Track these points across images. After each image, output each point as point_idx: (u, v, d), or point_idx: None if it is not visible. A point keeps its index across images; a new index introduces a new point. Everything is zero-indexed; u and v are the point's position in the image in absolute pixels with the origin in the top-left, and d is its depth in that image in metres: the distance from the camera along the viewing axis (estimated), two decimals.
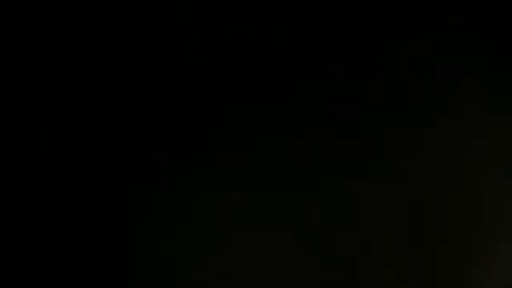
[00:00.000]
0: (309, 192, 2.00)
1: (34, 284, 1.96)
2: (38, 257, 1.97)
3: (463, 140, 2.01)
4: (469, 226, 1.98)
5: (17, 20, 2.00)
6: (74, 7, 2.02)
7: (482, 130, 2.01)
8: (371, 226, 1.98)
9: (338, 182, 2.00)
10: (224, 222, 1.99)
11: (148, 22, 2.03)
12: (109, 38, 2.03)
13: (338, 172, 2.00)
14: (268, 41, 2.04)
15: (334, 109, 2.02)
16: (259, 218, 1.99)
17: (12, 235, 1.98)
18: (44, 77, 2.02)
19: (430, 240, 1.98)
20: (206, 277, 1.98)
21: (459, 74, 2.03)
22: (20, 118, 2.01)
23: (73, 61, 2.02)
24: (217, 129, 2.02)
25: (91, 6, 2.03)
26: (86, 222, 1.98)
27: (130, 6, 2.03)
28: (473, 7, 2.04)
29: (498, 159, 2.00)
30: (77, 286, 1.97)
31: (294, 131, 2.01)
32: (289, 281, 1.97)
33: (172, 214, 1.99)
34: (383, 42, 2.03)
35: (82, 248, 1.98)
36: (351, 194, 2.00)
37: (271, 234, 1.99)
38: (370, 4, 2.04)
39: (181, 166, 2.00)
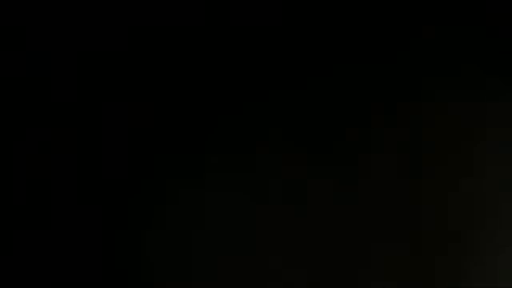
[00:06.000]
0: (308, 192, 2.00)
1: (34, 284, 1.96)
2: (38, 256, 1.97)
3: (463, 140, 2.01)
4: (469, 226, 1.98)
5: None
6: (70, 7, 2.02)
7: (482, 130, 2.01)
8: (371, 227, 1.99)
9: (338, 182, 2.00)
10: (224, 221, 1.99)
11: (146, 20, 2.03)
12: (107, 36, 2.03)
13: (337, 172, 2.00)
14: (268, 41, 2.04)
15: (335, 108, 2.02)
16: (259, 219, 1.99)
17: (12, 235, 1.98)
18: (44, 75, 2.02)
19: (429, 240, 1.98)
20: (206, 277, 1.98)
21: (459, 73, 2.03)
22: (20, 117, 2.01)
23: (72, 60, 2.02)
24: (217, 129, 2.02)
25: (90, 6, 2.03)
26: (86, 221, 1.99)
27: (130, 3, 2.03)
28: (473, 7, 2.04)
29: (498, 159, 2.00)
30: (77, 285, 1.97)
31: (294, 131, 2.01)
32: (288, 281, 1.97)
33: (173, 214, 1.99)
34: (383, 42, 2.03)
35: (82, 248, 1.98)
36: (351, 194, 2.00)
37: (271, 235, 1.99)
38: (369, 4, 2.04)
39: (181, 166, 2.01)
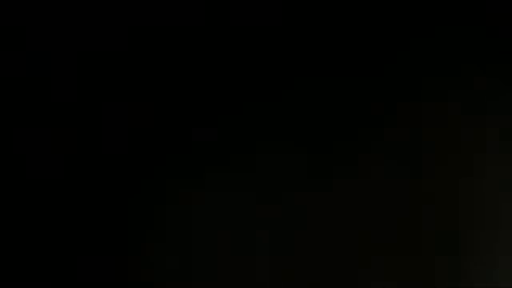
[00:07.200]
0: (308, 192, 2.00)
1: (33, 283, 1.96)
2: (38, 256, 1.97)
3: (463, 140, 2.01)
4: (469, 226, 1.98)
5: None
6: (70, 7, 2.02)
7: (482, 130, 2.01)
8: (371, 227, 1.98)
9: (338, 182, 2.00)
10: (224, 221, 1.99)
11: (146, 21, 2.03)
12: (107, 36, 2.03)
13: (337, 172, 2.00)
14: (268, 41, 2.04)
15: (335, 108, 2.02)
16: (259, 219, 1.99)
17: (12, 234, 1.98)
18: (44, 75, 2.02)
19: (429, 240, 1.98)
20: (206, 277, 1.98)
21: (459, 73, 2.03)
22: (20, 117, 2.01)
23: (72, 60, 2.02)
24: (217, 129, 2.02)
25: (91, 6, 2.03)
26: (87, 222, 1.99)
27: (130, 3, 2.03)
28: (473, 7, 2.04)
29: (498, 159, 2.00)
30: (77, 285, 1.97)
31: (294, 131, 2.01)
32: (289, 281, 1.97)
33: (173, 214, 1.99)
34: (383, 42, 2.03)
35: (82, 248, 1.98)
36: (351, 194, 2.00)
37: (271, 235, 1.99)
38: (370, 4, 2.04)
39: (181, 165, 2.01)
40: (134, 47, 2.02)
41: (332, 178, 2.00)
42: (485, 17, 2.03)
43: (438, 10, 2.04)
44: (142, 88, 2.02)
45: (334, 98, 2.02)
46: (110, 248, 1.98)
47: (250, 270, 1.98)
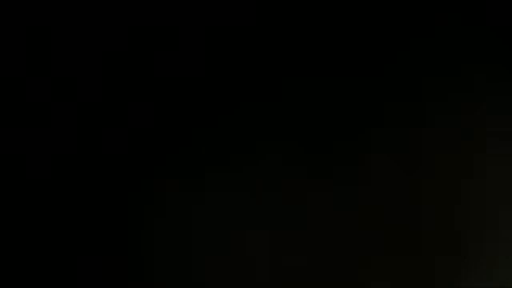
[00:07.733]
0: (308, 192, 2.00)
1: (33, 283, 1.96)
2: (38, 256, 1.97)
3: (463, 140, 2.01)
4: (469, 226, 1.98)
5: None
6: (73, 6, 2.02)
7: (482, 130, 2.01)
8: (370, 227, 1.98)
9: (338, 182, 2.00)
10: (224, 222, 1.99)
11: (146, 21, 2.03)
12: (107, 36, 2.03)
13: (337, 172, 2.00)
14: (269, 40, 2.04)
15: (335, 108, 2.02)
16: (259, 219, 1.99)
17: (12, 234, 1.98)
18: (44, 76, 2.02)
19: (429, 240, 1.98)
20: (206, 277, 1.98)
21: (459, 73, 2.03)
22: (19, 117, 2.01)
23: (73, 59, 2.02)
24: (217, 129, 2.02)
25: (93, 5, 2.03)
26: (87, 221, 1.99)
27: (128, 2, 2.03)
28: (473, 7, 2.04)
29: (498, 159, 2.00)
30: (77, 285, 1.97)
31: (294, 131, 2.01)
32: (288, 281, 1.97)
33: (172, 214, 1.99)
34: (383, 42, 2.03)
35: (81, 248, 1.98)
36: (351, 194, 2.00)
37: (270, 235, 1.99)
38: (370, 4, 2.04)
39: (181, 165, 2.01)
40: (134, 47, 2.02)
41: (332, 177, 2.00)
42: (485, 17, 2.03)
43: (438, 10, 2.04)
44: (141, 88, 2.02)
45: (334, 98, 2.02)
46: (110, 248, 1.98)
47: (250, 269, 1.98)
